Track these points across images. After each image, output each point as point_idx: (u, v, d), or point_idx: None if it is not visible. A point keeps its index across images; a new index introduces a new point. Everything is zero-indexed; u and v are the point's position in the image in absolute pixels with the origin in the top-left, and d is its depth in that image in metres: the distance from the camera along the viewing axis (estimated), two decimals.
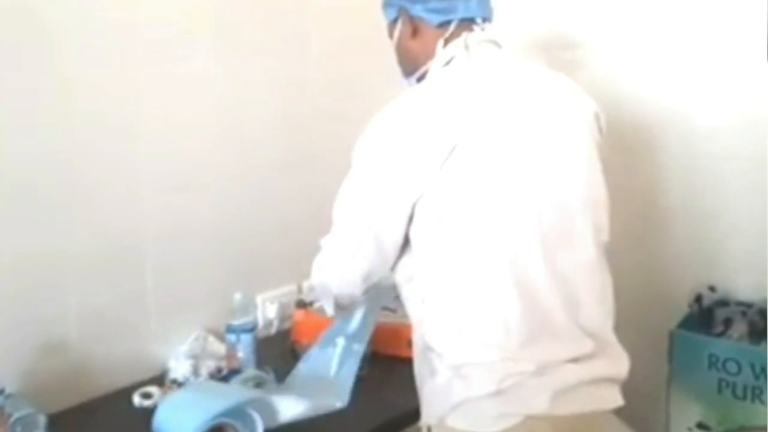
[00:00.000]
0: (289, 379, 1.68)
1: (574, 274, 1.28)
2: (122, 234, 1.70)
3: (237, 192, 1.91)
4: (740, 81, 1.94)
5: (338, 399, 1.57)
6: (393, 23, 1.45)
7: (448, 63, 1.36)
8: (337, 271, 1.38)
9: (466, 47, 1.35)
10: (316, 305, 1.90)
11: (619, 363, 1.33)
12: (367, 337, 1.69)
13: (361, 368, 1.67)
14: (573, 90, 1.40)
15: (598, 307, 1.31)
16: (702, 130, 2.02)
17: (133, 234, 1.72)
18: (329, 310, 1.48)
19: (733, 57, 1.94)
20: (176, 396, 1.56)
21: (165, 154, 1.75)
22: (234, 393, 1.53)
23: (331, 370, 1.65)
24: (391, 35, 1.47)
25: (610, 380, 1.30)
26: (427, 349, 1.31)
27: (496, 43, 1.39)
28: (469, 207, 1.24)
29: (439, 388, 1.30)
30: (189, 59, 1.78)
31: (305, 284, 2.08)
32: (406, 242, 1.31)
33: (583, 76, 2.12)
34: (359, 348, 1.68)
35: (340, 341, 1.69)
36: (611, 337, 1.33)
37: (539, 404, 1.21)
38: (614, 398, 1.30)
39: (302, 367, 1.69)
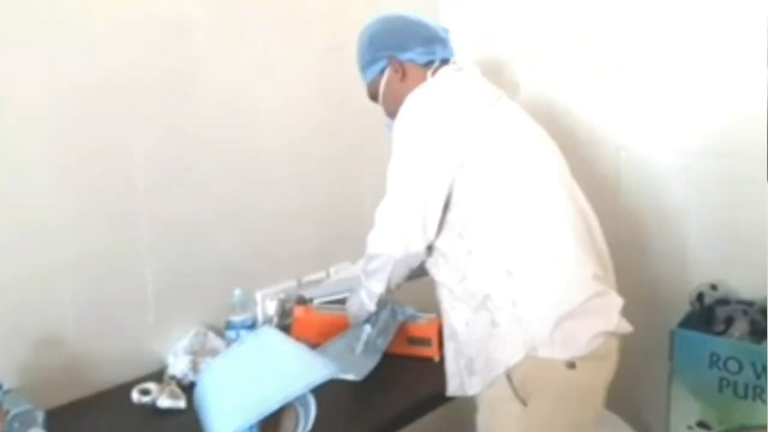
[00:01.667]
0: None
1: (588, 211, 1.54)
2: (121, 230, 1.69)
3: (236, 187, 1.90)
4: (737, 80, 1.94)
5: (357, 373, 1.64)
6: (380, 74, 1.65)
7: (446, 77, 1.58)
8: (404, 243, 1.50)
9: (460, 69, 1.61)
10: (316, 301, 1.90)
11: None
12: (390, 337, 1.72)
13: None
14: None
15: (602, 238, 1.54)
16: (695, 128, 2.03)
17: (132, 230, 1.71)
18: (380, 288, 1.59)
19: (730, 55, 1.95)
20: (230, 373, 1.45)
21: (163, 149, 1.74)
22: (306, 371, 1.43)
23: (357, 349, 1.71)
24: (375, 90, 1.68)
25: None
26: (496, 293, 1.43)
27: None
28: (515, 157, 1.49)
29: (522, 323, 1.40)
30: (187, 56, 1.77)
31: (305, 280, 2.08)
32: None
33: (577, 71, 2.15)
34: (382, 343, 1.71)
35: (368, 329, 1.72)
36: (612, 273, 1.54)
37: (611, 321, 1.43)
38: (629, 325, 1.49)
39: (328, 345, 1.75)
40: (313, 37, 2.04)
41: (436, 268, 1.54)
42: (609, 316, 1.43)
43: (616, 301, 1.46)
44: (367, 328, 1.72)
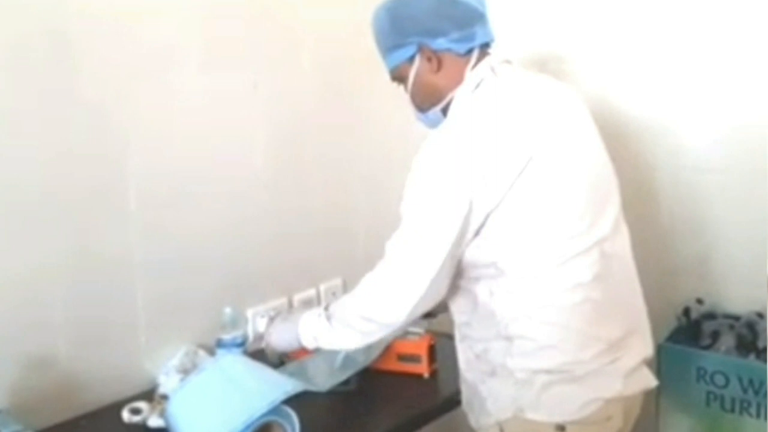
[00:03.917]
0: (288, 366, 1.71)
1: (624, 250, 1.46)
2: (111, 248, 1.69)
3: (227, 205, 1.91)
4: (726, 95, 1.96)
5: (321, 386, 1.63)
6: (408, 62, 1.44)
7: (477, 86, 1.39)
8: (404, 314, 1.37)
9: (492, 69, 1.40)
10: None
11: (650, 341, 1.49)
12: (373, 356, 1.72)
13: (347, 382, 1.68)
14: (563, 85, 1.51)
15: (636, 282, 1.48)
16: (689, 143, 2.04)
17: (122, 248, 1.71)
18: (354, 346, 1.52)
19: (720, 71, 1.96)
20: (201, 391, 1.48)
21: (155, 167, 1.75)
22: (268, 388, 1.44)
23: (335, 363, 1.69)
24: (401, 76, 1.47)
25: (647, 361, 1.45)
26: (494, 352, 1.38)
27: (508, 62, 1.47)
28: (547, 207, 1.33)
29: (515, 381, 1.35)
30: (179, 75, 1.78)
31: (296, 298, 2.09)
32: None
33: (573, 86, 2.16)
34: (362, 360, 1.70)
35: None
36: (643, 320, 1.48)
37: (613, 388, 1.34)
38: (653, 378, 1.47)
39: (307, 359, 1.72)
40: (306, 57, 2.05)
41: (456, 304, 1.46)
42: (612, 382, 1.34)
43: (629, 363, 1.37)
44: None
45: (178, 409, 1.48)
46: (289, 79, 2.03)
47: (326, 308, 1.53)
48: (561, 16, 2.21)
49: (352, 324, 1.45)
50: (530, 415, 1.34)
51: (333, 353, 1.71)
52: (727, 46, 1.95)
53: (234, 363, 1.58)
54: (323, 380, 1.67)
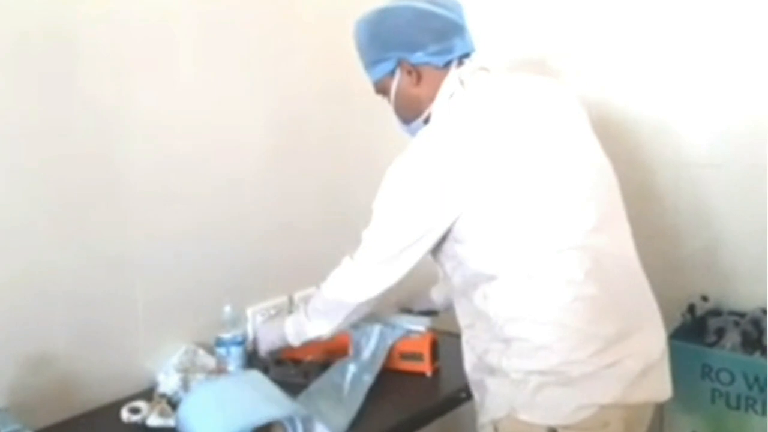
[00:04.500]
0: (301, 397, 1.63)
1: (622, 247, 1.43)
2: (110, 246, 1.68)
3: (226, 204, 1.90)
4: (726, 90, 1.95)
5: (336, 427, 1.54)
6: (390, 75, 1.47)
7: (450, 97, 1.43)
8: (365, 294, 1.48)
9: (461, 82, 1.43)
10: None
11: (658, 340, 1.43)
12: (377, 369, 1.70)
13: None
14: (553, 83, 1.51)
15: (640, 280, 1.45)
16: (690, 140, 2.03)
17: (121, 246, 1.70)
18: (326, 331, 1.56)
19: (720, 66, 1.95)
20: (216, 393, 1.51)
21: (154, 165, 1.74)
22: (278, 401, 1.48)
23: (344, 390, 1.66)
24: (384, 89, 1.51)
25: (655, 362, 1.39)
26: (492, 354, 1.39)
27: (484, 69, 1.48)
28: (524, 203, 1.34)
29: (511, 381, 1.35)
30: (178, 72, 1.77)
31: (296, 296, 2.07)
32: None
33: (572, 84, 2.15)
34: (368, 379, 1.68)
35: (351, 368, 1.70)
36: (650, 314, 1.45)
37: (611, 392, 1.31)
38: (665, 390, 1.41)
39: (313, 388, 1.67)
40: (302, 52, 2.04)
41: (459, 307, 1.49)
42: (609, 387, 1.31)
43: (633, 368, 1.33)
44: (351, 367, 1.70)
45: (190, 409, 1.47)
46: (288, 74, 2.02)
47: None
48: (560, 14, 2.20)
49: (319, 307, 1.57)
50: (523, 416, 1.34)
51: (338, 377, 1.70)
52: (726, 42, 1.94)
53: (251, 376, 1.59)
54: (338, 419, 1.56)
